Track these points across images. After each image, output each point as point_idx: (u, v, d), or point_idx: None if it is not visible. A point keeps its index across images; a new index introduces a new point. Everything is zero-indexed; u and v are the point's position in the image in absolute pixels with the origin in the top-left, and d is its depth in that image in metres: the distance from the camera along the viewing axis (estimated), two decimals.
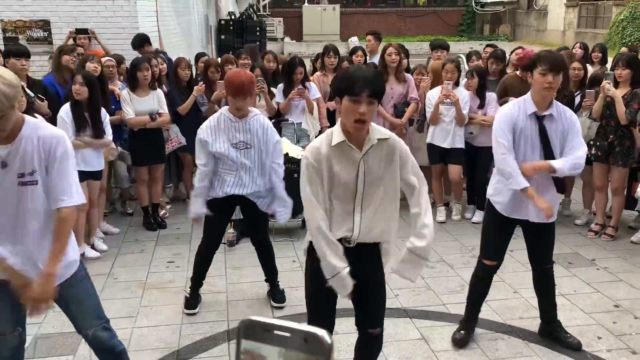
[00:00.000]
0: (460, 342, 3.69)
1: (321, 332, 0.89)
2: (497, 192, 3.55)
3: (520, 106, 3.38)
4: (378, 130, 2.56)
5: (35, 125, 2.46)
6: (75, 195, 2.51)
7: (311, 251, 2.68)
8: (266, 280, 4.34)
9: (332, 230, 2.56)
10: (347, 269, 2.53)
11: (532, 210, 3.43)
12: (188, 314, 4.09)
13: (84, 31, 7.22)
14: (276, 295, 4.26)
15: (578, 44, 7.49)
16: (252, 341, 0.92)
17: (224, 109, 3.91)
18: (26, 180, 2.41)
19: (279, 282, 4.32)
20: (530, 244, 3.67)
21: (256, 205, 4.01)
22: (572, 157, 3.33)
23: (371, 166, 2.53)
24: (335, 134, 2.51)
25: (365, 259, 2.69)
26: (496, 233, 3.63)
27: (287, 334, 0.91)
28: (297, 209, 5.80)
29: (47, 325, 3.91)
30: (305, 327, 0.90)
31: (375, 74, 2.50)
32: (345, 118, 2.46)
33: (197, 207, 3.91)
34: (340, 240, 2.60)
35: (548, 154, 3.36)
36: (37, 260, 2.52)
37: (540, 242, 3.64)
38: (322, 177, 2.52)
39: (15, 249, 2.49)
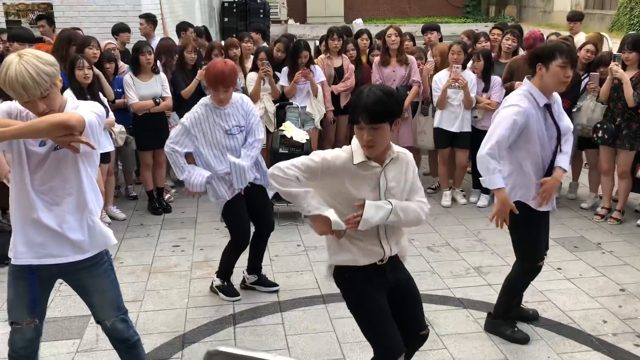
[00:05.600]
0: (524, 339, 3.59)
1: None
2: (523, 187, 3.38)
3: (531, 101, 3.24)
4: (397, 147, 2.56)
5: (75, 106, 2.50)
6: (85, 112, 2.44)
7: (339, 273, 2.63)
8: (251, 270, 4.25)
9: (360, 258, 2.55)
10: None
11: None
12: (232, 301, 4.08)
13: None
14: (267, 280, 4.27)
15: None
16: None
17: (206, 99, 3.82)
18: (59, 147, 2.43)
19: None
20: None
21: (262, 188, 4.02)
22: (568, 147, 3.40)
23: (391, 179, 2.51)
24: (356, 151, 2.47)
25: (399, 268, 2.69)
26: (538, 230, 3.49)
27: None
28: None
29: (54, 309, 3.94)
30: (278, 357, 0.85)
31: (377, 98, 2.36)
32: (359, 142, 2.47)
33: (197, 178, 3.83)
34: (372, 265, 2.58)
35: (558, 140, 3.33)
36: (67, 229, 2.52)
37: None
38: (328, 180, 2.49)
39: (54, 210, 2.50)
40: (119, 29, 6.88)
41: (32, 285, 2.57)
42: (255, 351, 0.87)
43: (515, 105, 3.24)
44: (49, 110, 2.37)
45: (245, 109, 3.87)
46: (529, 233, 3.45)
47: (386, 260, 2.60)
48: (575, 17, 7.27)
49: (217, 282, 4.16)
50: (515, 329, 3.62)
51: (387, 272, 2.62)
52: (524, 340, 3.57)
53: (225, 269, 4.15)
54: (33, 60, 2.28)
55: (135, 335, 2.88)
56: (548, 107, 3.29)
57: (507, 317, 3.67)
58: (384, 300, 2.61)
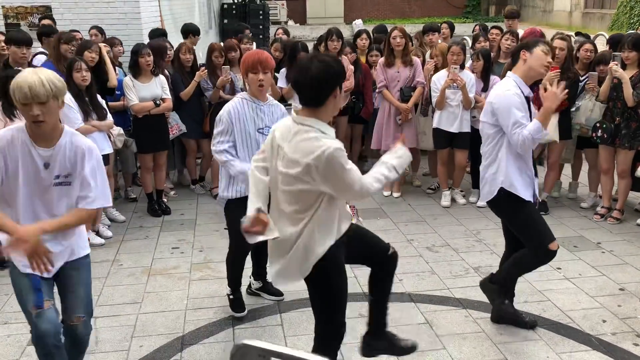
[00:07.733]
0: (501, 317, 3.74)
1: None
2: (514, 177, 3.42)
3: (518, 90, 3.37)
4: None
5: (71, 133, 2.73)
6: (99, 198, 2.78)
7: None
8: (256, 276, 4.19)
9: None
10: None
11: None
12: (238, 317, 3.93)
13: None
14: (272, 288, 4.13)
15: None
16: None
17: (244, 94, 3.75)
18: (60, 181, 2.68)
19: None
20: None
21: None
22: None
23: None
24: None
25: None
26: (538, 214, 3.57)
27: None
28: None
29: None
30: (308, 355, 0.84)
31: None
32: None
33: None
34: None
35: None
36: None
37: None
38: None
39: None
40: (187, 30, 7.06)
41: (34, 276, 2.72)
42: (279, 346, 0.85)
43: (510, 90, 3.37)
44: (42, 121, 2.53)
45: (277, 115, 3.76)
46: (531, 217, 3.48)
47: None
48: (511, 15, 7.47)
49: (227, 290, 4.03)
50: (505, 302, 3.69)
51: None
52: (499, 316, 3.69)
53: (231, 278, 4.00)
54: (46, 72, 2.54)
55: (88, 343, 2.97)
56: (527, 99, 3.41)
57: (505, 288, 3.71)
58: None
